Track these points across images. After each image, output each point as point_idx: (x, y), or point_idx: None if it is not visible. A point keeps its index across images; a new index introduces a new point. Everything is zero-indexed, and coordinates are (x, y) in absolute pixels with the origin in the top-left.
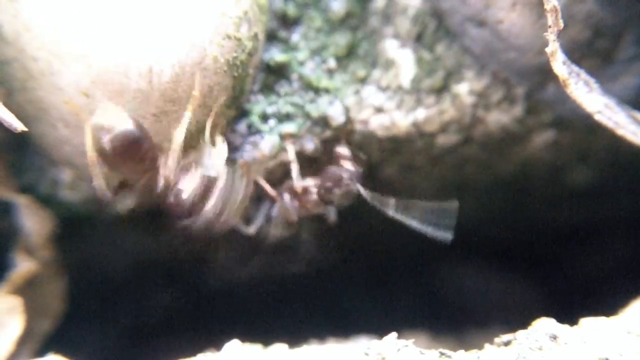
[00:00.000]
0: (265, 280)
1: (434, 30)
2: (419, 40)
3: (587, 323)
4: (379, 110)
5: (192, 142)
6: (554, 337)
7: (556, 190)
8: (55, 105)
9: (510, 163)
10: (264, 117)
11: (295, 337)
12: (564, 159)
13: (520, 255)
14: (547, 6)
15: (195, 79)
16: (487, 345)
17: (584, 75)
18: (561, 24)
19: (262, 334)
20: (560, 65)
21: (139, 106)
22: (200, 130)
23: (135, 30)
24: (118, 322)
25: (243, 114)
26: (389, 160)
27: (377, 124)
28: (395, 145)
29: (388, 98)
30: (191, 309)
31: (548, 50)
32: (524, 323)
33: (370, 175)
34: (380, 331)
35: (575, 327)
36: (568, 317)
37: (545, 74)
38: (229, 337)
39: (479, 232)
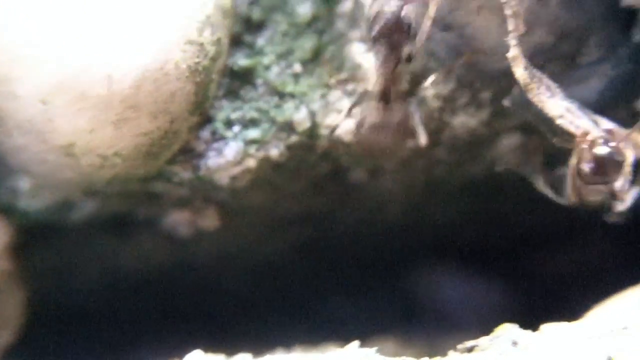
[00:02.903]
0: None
1: None
2: None
3: (548, 329)
4: (346, 115)
5: (154, 149)
6: (515, 343)
7: (527, 192)
8: (12, 113)
9: (480, 166)
10: (229, 123)
11: (265, 343)
12: (533, 160)
13: (494, 257)
14: (508, 11)
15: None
16: (450, 352)
17: (545, 80)
18: (522, 29)
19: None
20: (522, 70)
21: (99, 113)
22: (163, 137)
23: (94, 36)
24: (87, 334)
25: (207, 120)
26: (358, 165)
27: (344, 128)
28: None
29: (354, 102)
30: (164, 318)
31: (509, 55)
32: (496, 327)
33: (339, 180)
34: (351, 336)
35: (537, 332)
36: (540, 320)
37: (510, 77)
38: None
39: (451, 235)
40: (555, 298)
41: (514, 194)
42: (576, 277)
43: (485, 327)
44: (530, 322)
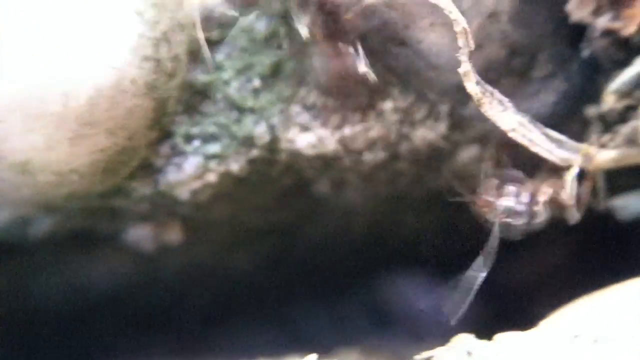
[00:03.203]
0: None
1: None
2: None
3: (502, 338)
4: (305, 128)
5: (112, 165)
6: (470, 354)
7: None
8: None
9: (442, 177)
10: (188, 138)
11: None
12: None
13: (462, 267)
14: (457, 28)
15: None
16: None
17: (497, 94)
18: (472, 45)
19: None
20: (473, 85)
21: (55, 131)
22: (121, 154)
23: (49, 53)
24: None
25: (167, 135)
26: (320, 178)
27: (304, 142)
28: (324, 163)
29: (314, 116)
30: (130, 333)
31: (461, 70)
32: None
33: (302, 193)
34: (316, 347)
35: (491, 342)
36: (503, 328)
37: (465, 91)
38: None
39: (418, 245)
40: (517, 305)
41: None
42: (538, 284)
43: (450, 336)
44: (493, 330)
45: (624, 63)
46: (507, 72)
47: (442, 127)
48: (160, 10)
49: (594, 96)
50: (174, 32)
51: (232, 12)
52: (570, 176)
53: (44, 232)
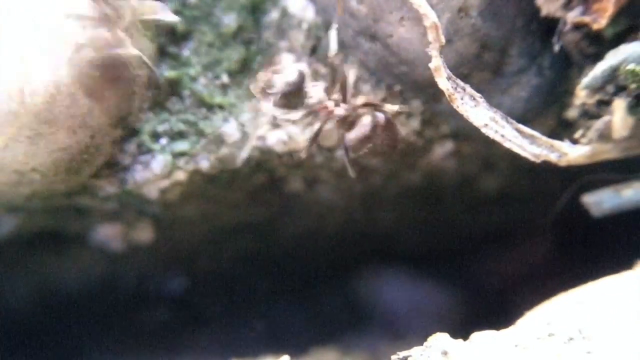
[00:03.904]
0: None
1: (328, 43)
2: (313, 53)
3: (477, 337)
4: (276, 125)
5: (75, 164)
6: (445, 353)
7: (467, 197)
8: None
9: (416, 173)
10: (155, 136)
11: (207, 354)
12: (468, 167)
13: (438, 262)
14: (427, 23)
15: None
16: None
17: (469, 89)
18: (442, 40)
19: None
20: (444, 80)
21: (12, 129)
22: (84, 152)
23: (4, 51)
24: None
25: (132, 133)
26: (292, 175)
27: (275, 139)
28: (296, 160)
29: (284, 113)
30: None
31: (431, 65)
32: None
33: (275, 190)
34: (291, 345)
35: (467, 342)
36: (479, 323)
37: (437, 87)
38: None
39: (393, 241)
40: (495, 300)
41: (452, 199)
42: (516, 278)
43: (428, 333)
44: (470, 325)
45: (596, 57)
46: (479, 66)
47: (415, 122)
48: (122, 3)
49: (566, 91)
50: (136, 26)
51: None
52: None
53: (7, 232)
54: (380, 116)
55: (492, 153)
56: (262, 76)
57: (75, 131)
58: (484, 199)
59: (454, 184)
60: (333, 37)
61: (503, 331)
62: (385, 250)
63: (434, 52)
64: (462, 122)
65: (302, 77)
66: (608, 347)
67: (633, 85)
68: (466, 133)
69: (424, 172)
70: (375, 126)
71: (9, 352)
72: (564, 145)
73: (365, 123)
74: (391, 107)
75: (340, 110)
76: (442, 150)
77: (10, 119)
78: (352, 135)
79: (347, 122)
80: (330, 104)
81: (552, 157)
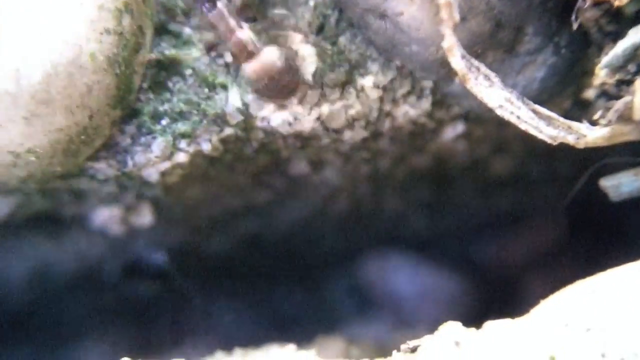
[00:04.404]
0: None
1: (336, 22)
2: (320, 32)
3: (491, 326)
4: (281, 106)
5: (72, 146)
6: (458, 343)
7: (478, 180)
8: None
9: (425, 155)
10: (156, 117)
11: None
12: (479, 150)
13: (447, 246)
14: (440, 0)
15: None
16: (394, 353)
17: (483, 69)
18: (457, 18)
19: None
20: (458, 60)
21: (8, 109)
22: (82, 133)
23: None
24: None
25: (132, 113)
26: (297, 157)
27: (279, 120)
28: (301, 142)
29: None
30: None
31: (445, 44)
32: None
33: (280, 172)
34: (297, 332)
35: (479, 331)
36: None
37: (450, 67)
38: None
39: (401, 225)
40: (506, 286)
41: (461, 182)
42: (527, 264)
43: (437, 321)
44: (480, 313)
45: (616, 35)
46: (493, 45)
47: (425, 103)
48: None
49: (584, 71)
50: (136, 3)
51: None
52: None
53: (3, 215)
54: (281, 52)
55: (505, 135)
56: None
57: (73, 112)
58: (495, 182)
59: (464, 167)
60: None
61: (517, 320)
62: (392, 234)
63: (447, 30)
64: (474, 102)
65: None
66: (624, 337)
67: None
68: (478, 114)
69: (433, 155)
70: (276, 61)
71: (5, 338)
72: (582, 127)
73: (265, 56)
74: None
75: (243, 34)
76: (452, 132)
77: (6, 99)
78: (251, 66)
79: (247, 53)
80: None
81: (570, 139)
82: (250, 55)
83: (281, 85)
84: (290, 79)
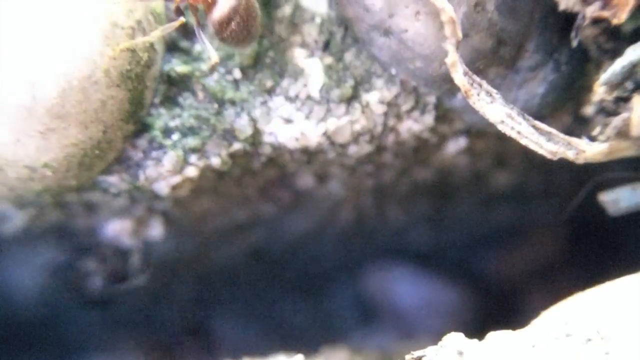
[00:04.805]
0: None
1: (342, 38)
2: (326, 48)
3: (493, 337)
4: (288, 121)
5: (86, 160)
6: (461, 353)
7: (480, 194)
8: None
9: (428, 169)
10: (167, 131)
11: (217, 351)
12: (481, 164)
13: (449, 260)
14: (444, 17)
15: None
16: None
17: (485, 85)
18: (460, 35)
19: None
20: (461, 76)
21: (23, 124)
22: (96, 147)
23: (16, 43)
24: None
25: (144, 128)
26: (303, 171)
27: (287, 135)
28: (307, 156)
29: (297, 108)
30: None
31: (448, 61)
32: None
33: (286, 186)
34: (302, 343)
35: (482, 342)
36: (491, 323)
37: (453, 82)
38: None
39: (404, 238)
40: (507, 298)
41: (463, 196)
42: (529, 278)
43: (441, 332)
44: (483, 324)
45: (614, 53)
46: (495, 61)
47: (428, 118)
48: None
49: (583, 87)
50: (148, 20)
51: None
52: None
53: (18, 228)
54: None
55: (506, 149)
56: None
57: (87, 126)
58: (496, 195)
59: (468, 180)
60: None
61: (519, 331)
62: (396, 245)
63: (450, 47)
64: (476, 117)
65: None
66: (626, 348)
67: None
68: (479, 129)
69: (436, 169)
70: (235, 6)
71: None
72: (582, 143)
73: (224, 2)
74: None
75: None
76: (454, 146)
77: (21, 113)
78: (215, 15)
79: (208, 5)
80: None
81: (569, 155)
82: (211, 5)
83: (244, 29)
84: (252, 19)
